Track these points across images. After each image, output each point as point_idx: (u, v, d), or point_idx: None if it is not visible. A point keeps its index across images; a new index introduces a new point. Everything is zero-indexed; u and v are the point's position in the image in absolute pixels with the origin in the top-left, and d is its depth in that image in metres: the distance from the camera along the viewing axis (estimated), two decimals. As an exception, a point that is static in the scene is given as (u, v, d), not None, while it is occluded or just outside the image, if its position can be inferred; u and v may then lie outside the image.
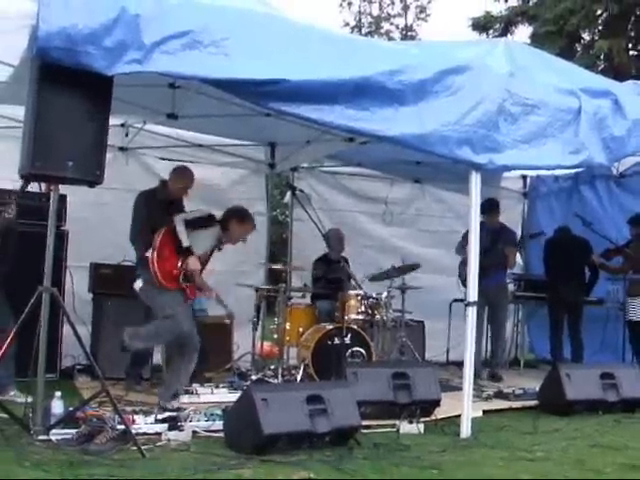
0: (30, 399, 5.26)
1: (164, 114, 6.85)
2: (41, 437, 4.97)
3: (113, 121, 5.32)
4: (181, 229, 6.15)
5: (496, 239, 8.50)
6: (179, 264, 6.18)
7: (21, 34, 4.82)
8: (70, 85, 4.64)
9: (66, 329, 6.62)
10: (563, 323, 9.09)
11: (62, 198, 6.70)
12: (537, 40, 18.05)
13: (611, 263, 9.14)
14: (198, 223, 6.32)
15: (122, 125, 7.78)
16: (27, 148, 4.68)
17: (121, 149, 8.27)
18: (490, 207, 8.38)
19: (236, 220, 6.58)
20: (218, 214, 8.26)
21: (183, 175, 6.70)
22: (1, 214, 6.12)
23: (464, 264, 7.11)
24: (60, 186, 5.41)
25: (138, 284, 6.27)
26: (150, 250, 6.10)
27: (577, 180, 10.11)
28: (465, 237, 7.16)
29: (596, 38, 18.66)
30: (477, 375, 7.96)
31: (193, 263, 6.21)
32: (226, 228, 6.55)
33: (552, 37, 18.03)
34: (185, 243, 6.16)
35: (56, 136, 4.66)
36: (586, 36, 19.28)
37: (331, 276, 8.18)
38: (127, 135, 7.98)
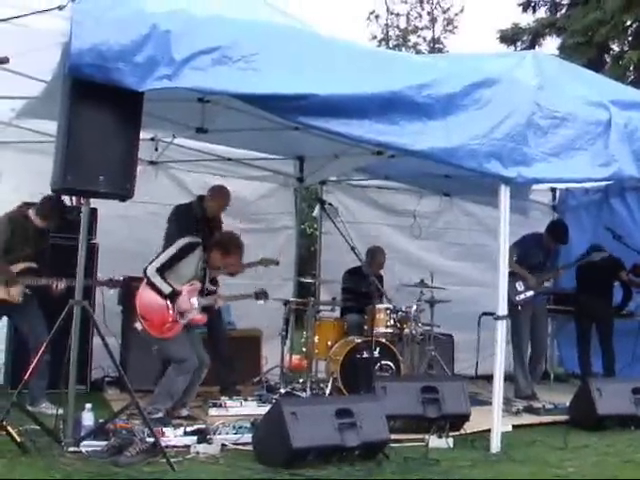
0: (61, 411, 5.31)
1: (193, 128, 6.89)
2: (71, 449, 5.01)
3: (143, 135, 5.38)
4: (156, 280, 6.05)
5: (548, 257, 8.42)
6: (170, 311, 6.09)
7: (53, 51, 4.90)
8: (101, 101, 4.71)
9: (96, 341, 6.68)
10: (590, 336, 9.00)
11: (92, 212, 6.78)
12: (566, 52, 17.92)
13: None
14: (177, 258, 6.19)
15: (152, 139, 7.84)
16: (59, 162, 4.75)
17: (151, 163, 8.34)
18: (563, 239, 8.38)
19: (220, 252, 6.42)
20: (247, 227, 8.31)
21: (219, 194, 6.70)
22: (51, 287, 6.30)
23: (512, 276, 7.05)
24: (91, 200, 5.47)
25: (139, 326, 6.17)
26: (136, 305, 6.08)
27: (607, 193, 10.00)
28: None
29: (626, 49, 18.50)
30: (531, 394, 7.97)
31: (183, 303, 6.15)
32: (208, 253, 6.42)
33: (581, 48, 17.89)
34: (165, 292, 6.06)
35: (87, 151, 4.73)
36: (615, 47, 19.10)
37: (362, 290, 8.15)
38: (157, 149, 8.04)
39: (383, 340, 7.56)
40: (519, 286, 7.99)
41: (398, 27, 32.43)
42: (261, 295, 6.99)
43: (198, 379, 6.34)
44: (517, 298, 7.80)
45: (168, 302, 6.09)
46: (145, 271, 6.08)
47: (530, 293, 8.07)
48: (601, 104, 6.44)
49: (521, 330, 8.15)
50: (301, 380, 7.70)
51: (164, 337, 6.09)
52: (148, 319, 6.07)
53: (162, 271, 6.09)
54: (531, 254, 8.19)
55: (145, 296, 6.10)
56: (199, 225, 6.36)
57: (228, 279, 7.28)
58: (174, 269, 6.17)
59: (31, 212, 6.43)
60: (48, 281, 6.31)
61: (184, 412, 6.29)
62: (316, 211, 9.45)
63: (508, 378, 7.09)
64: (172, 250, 6.21)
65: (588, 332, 9.00)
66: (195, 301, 6.30)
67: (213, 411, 6.59)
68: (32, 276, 6.31)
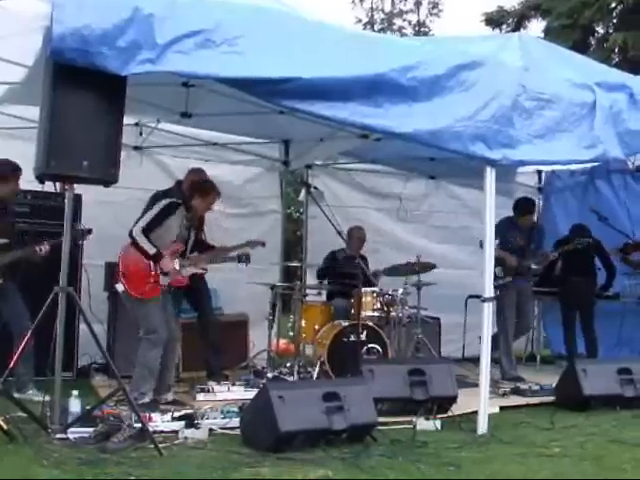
0: (48, 398, 5.31)
1: (178, 113, 6.86)
2: (59, 435, 5.01)
3: (127, 120, 5.34)
4: (141, 240, 6.05)
5: (529, 238, 8.41)
6: (151, 271, 6.11)
7: (35, 35, 4.85)
8: (84, 85, 4.66)
9: (82, 328, 6.66)
10: (575, 318, 9.04)
11: (77, 197, 6.74)
12: (550, 34, 17.94)
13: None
14: (160, 218, 6.19)
15: (136, 124, 7.80)
16: (42, 148, 4.71)
17: (135, 148, 8.31)
18: (527, 209, 8.39)
19: (199, 197, 6.49)
20: (233, 212, 8.28)
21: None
22: (35, 251, 6.24)
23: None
24: (75, 185, 5.43)
25: (120, 287, 6.18)
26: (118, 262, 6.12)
27: (593, 175, 10.05)
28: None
29: (610, 31, 18.52)
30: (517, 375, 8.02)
31: (165, 264, 6.15)
32: (189, 207, 6.44)
33: (566, 31, 17.91)
34: (150, 252, 6.07)
35: (71, 136, 4.69)
36: (600, 29, 19.13)
37: (346, 271, 8.14)
38: (141, 134, 8.01)
39: (370, 323, 7.58)
40: (498, 272, 8.01)
41: (383, 10, 32.41)
42: (243, 257, 7.01)
43: (172, 354, 6.33)
44: (495, 284, 7.80)
45: (151, 262, 6.10)
46: (130, 232, 6.07)
47: (508, 279, 8.10)
48: (586, 86, 6.43)
49: (506, 311, 8.17)
50: (288, 364, 7.71)
51: (143, 297, 6.07)
52: (130, 278, 6.08)
53: (147, 232, 6.09)
54: (508, 236, 8.19)
55: (128, 256, 6.12)
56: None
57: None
58: (157, 230, 6.16)
59: None
60: (29, 250, 6.25)
61: (170, 397, 6.30)
62: (302, 195, 9.45)
63: (495, 360, 7.15)
64: (155, 210, 6.19)
65: (573, 314, 9.04)
66: (177, 262, 6.31)
67: (201, 396, 6.59)
68: (5, 252, 6.26)
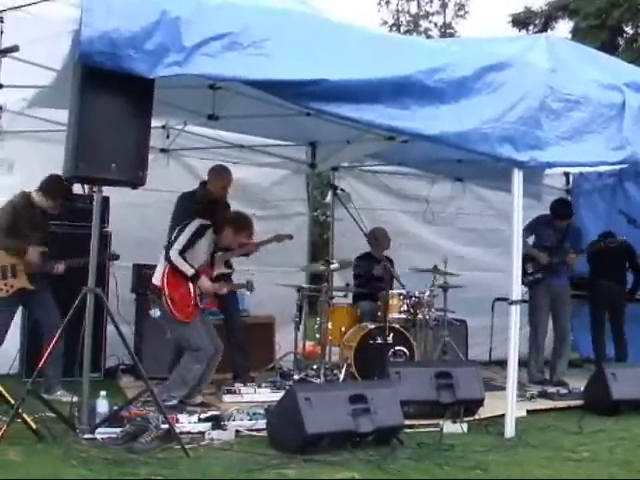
0: (76, 398, 5.35)
1: (205, 115, 6.89)
2: (87, 436, 5.04)
3: (154, 123, 5.36)
4: (179, 263, 6.08)
5: (563, 237, 8.31)
6: (192, 294, 6.16)
7: (64, 39, 4.91)
8: (112, 88, 4.69)
9: (110, 329, 6.70)
10: (605, 321, 8.97)
11: (105, 200, 6.79)
12: (578, 35, 17.83)
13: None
14: (193, 240, 6.20)
15: (163, 127, 7.85)
16: (71, 151, 4.75)
17: (162, 151, 8.34)
18: (564, 214, 8.29)
19: (232, 229, 6.45)
20: (259, 214, 8.31)
21: (219, 175, 6.71)
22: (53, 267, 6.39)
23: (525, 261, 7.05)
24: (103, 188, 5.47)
25: (156, 313, 6.19)
26: (162, 287, 6.12)
27: (621, 176, 9.94)
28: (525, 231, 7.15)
29: (639, 31, 18.37)
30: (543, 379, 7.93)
31: (204, 285, 6.21)
32: (219, 232, 6.44)
33: (594, 31, 17.79)
34: (189, 273, 6.11)
35: (99, 138, 4.72)
36: (629, 29, 18.97)
37: (374, 274, 8.14)
38: (168, 137, 8.06)
39: (396, 326, 7.56)
40: (529, 268, 7.99)
41: (409, 12, 32.34)
42: (250, 285, 6.98)
43: (213, 366, 6.38)
44: (525, 280, 7.74)
45: (190, 285, 6.14)
46: (168, 255, 6.09)
47: (538, 276, 8.05)
48: (615, 87, 6.38)
49: (537, 311, 8.11)
50: (315, 366, 7.70)
51: (186, 321, 6.11)
52: (176, 301, 6.10)
53: (183, 254, 6.12)
54: (541, 235, 8.17)
55: (172, 279, 6.13)
56: (209, 211, 6.39)
57: (242, 263, 7.29)
58: (189, 252, 6.18)
59: (35, 194, 6.39)
60: (48, 265, 6.36)
61: (198, 399, 6.32)
62: (328, 197, 9.45)
63: (522, 363, 7.10)
64: (188, 232, 6.20)
65: (603, 317, 8.97)
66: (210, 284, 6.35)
67: (227, 398, 6.61)
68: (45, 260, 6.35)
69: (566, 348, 8.38)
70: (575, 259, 8.30)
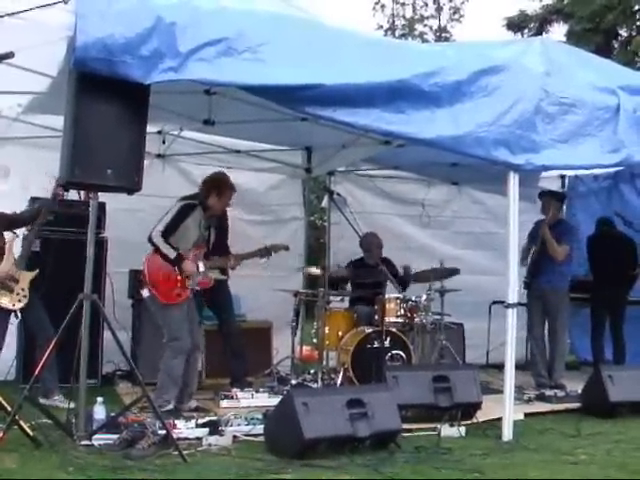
0: (73, 405, 5.34)
1: (200, 121, 6.86)
2: (84, 442, 5.04)
3: (150, 128, 5.37)
4: (160, 244, 6.05)
5: (556, 234, 8.04)
6: (177, 276, 6.13)
7: (59, 45, 4.89)
8: (108, 94, 4.69)
9: (107, 336, 6.69)
10: (605, 324, 8.98)
11: (101, 206, 6.78)
12: (573, 38, 17.89)
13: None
14: (177, 221, 6.19)
15: (159, 132, 7.83)
16: (66, 157, 4.73)
17: (158, 156, 8.34)
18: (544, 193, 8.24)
19: (214, 194, 6.50)
20: (256, 219, 8.30)
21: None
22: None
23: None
24: (99, 193, 5.47)
25: (145, 292, 6.22)
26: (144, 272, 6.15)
27: (617, 179, 9.96)
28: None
29: (634, 34, 18.41)
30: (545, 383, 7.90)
31: (187, 267, 6.16)
32: (206, 207, 6.45)
33: (588, 34, 17.84)
34: (171, 256, 6.08)
35: (95, 144, 4.71)
36: (623, 32, 19.02)
37: (369, 280, 8.13)
38: (164, 142, 8.04)
39: (394, 330, 7.55)
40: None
41: (404, 16, 32.37)
42: (264, 251, 7.13)
43: (194, 364, 6.37)
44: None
45: (175, 267, 6.11)
46: (150, 237, 6.08)
47: (525, 279, 7.99)
48: (609, 90, 6.39)
49: (529, 314, 8.06)
50: (312, 371, 7.71)
51: (170, 302, 6.10)
52: (157, 285, 6.10)
53: (166, 235, 6.08)
54: (538, 238, 8.12)
55: (153, 262, 6.14)
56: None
57: (238, 268, 7.29)
58: (177, 233, 6.16)
59: None
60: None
61: (193, 404, 6.31)
62: (324, 202, 9.45)
63: (519, 367, 7.05)
64: (171, 213, 6.19)
65: (604, 320, 8.96)
66: (201, 264, 6.32)
67: (224, 403, 6.61)
68: None
69: (558, 350, 8.15)
70: (562, 252, 7.94)
